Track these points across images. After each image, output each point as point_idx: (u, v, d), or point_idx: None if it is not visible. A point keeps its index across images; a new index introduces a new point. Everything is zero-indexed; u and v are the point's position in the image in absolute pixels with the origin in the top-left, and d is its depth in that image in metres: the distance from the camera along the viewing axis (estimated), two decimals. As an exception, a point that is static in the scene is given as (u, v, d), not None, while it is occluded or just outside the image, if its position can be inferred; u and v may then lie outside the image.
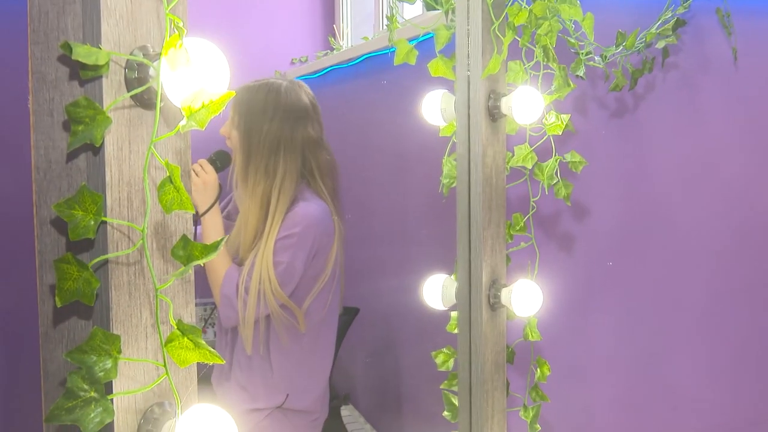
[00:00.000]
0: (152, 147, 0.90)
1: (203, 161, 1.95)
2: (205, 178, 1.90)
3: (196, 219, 1.89)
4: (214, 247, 0.87)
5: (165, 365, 0.91)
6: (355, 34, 3.31)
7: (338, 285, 2.05)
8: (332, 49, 3.14)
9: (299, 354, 2.00)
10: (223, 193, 1.96)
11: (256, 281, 1.84)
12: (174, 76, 0.87)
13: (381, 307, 2.80)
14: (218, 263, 1.88)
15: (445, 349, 1.70)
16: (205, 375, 2.95)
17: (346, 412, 3.08)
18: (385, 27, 2.75)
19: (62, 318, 0.93)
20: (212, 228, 1.90)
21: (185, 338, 0.88)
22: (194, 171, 1.91)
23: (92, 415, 0.89)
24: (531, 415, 1.65)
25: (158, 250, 0.95)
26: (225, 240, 1.60)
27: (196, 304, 2.90)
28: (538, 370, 1.66)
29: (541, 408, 1.68)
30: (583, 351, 1.93)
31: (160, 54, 0.87)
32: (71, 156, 0.92)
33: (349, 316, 2.73)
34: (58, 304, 0.89)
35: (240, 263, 1.93)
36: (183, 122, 0.86)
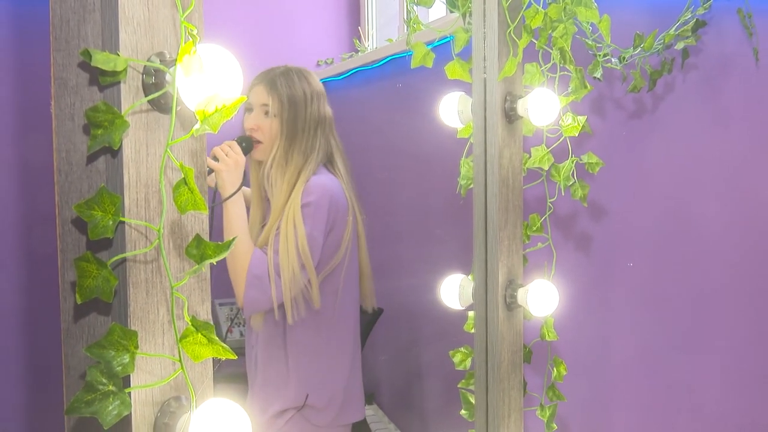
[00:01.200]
0: (168, 150, 0.93)
1: (232, 142, 1.95)
2: (236, 158, 1.90)
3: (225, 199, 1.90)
4: (227, 246, 0.90)
5: (180, 360, 0.94)
6: (380, 36, 3.34)
7: (354, 273, 2.05)
8: (357, 51, 3.17)
9: (316, 346, 2.01)
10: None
11: (285, 260, 1.87)
12: (188, 81, 0.91)
13: (403, 306, 2.82)
14: (243, 245, 1.89)
15: (462, 349, 1.72)
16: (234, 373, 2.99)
17: (370, 411, 3.10)
18: (406, 29, 2.77)
19: (82, 314, 0.97)
20: (238, 210, 1.91)
21: (199, 334, 0.91)
22: (223, 151, 1.91)
23: (110, 407, 0.93)
24: (548, 414, 1.67)
25: (174, 249, 0.99)
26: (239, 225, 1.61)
27: (221, 304, 2.95)
28: (555, 369, 1.67)
29: (559, 408, 1.70)
30: (601, 351, 1.94)
31: (176, 60, 0.91)
32: (91, 158, 0.96)
33: (373, 316, 2.75)
34: (79, 301, 0.93)
35: (260, 246, 1.96)
36: (197, 126, 0.89)
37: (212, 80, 0.91)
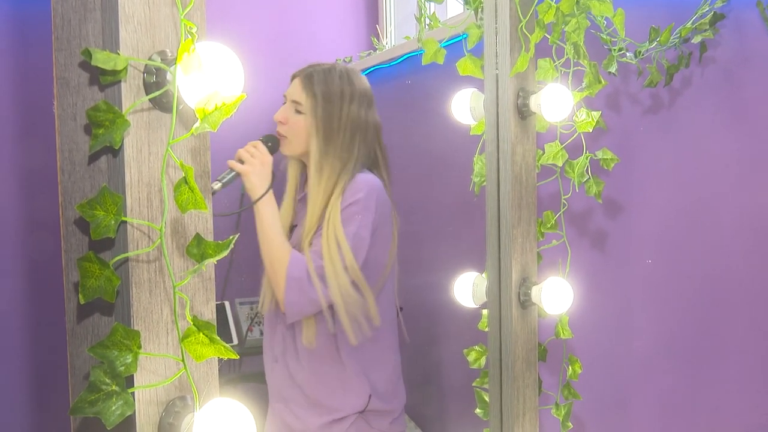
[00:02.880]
0: (169, 148, 0.92)
1: (257, 142, 1.85)
2: (263, 158, 1.81)
3: (255, 202, 1.79)
4: (227, 245, 0.89)
5: (183, 360, 0.93)
6: (398, 34, 3.32)
7: (392, 271, 1.99)
8: (375, 49, 3.16)
9: (372, 346, 1.92)
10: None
11: (327, 258, 1.76)
12: (188, 79, 0.90)
13: (421, 304, 2.80)
14: (280, 247, 1.79)
15: (477, 347, 1.70)
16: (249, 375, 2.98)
17: (391, 409, 3.09)
18: (426, 26, 2.76)
19: (86, 314, 0.97)
20: (271, 210, 1.81)
21: (201, 334, 0.91)
22: (249, 153, 1.81)
23: (113, 407, 0.92)
24: (563, 413, 1.65)
25: (177, 249, 0.98)
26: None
27: (241, 303, 2.91)
28: (570, 368, 1.65)
29: (576, 406, 1.67)
30: (618, 349, 1.91)
31: (176, 59, 0.90)
32: (93, 158, 0.95)
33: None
34: (81, 301, 0.92)
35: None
36: (197, 124, 0.88)
37: (211, 78, 0.90)
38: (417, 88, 2.83)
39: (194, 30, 0.90)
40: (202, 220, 1.01)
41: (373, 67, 3.08)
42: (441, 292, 1.89)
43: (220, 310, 2.94)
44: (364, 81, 1.91)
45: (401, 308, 2.77)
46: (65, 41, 0.96)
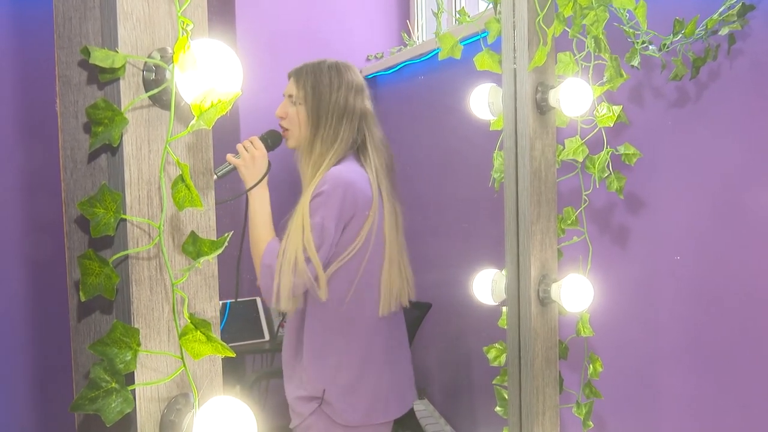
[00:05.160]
0: (168, 146, 0.91)
1: (254, 138, 2.01)
2: (254, 152, 1.96)
3: (245, 193, 1.97)
4: (222, 242, 0.88)
5: (182, 357, 0.92)
6: (429, 29, 3.29)
7: (376, 268, 2.00)
8: (406, 45, 3.13)
9: (328, 340, 1.99)
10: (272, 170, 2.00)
11: (292, 246, 1.87)
12: (185, 77, 0.89)
13: (451, 300, 2.77)
14: (262, 236, 1.92)
15: (497, 344, 1.67)
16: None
17: (421, 406, 3.07)
18: (456, 21, 2.72)
19: (87, 312, 0.96)
20: (258, 202, 1.95)
21: (198, 332, 0.90)
22: (244, 147, 1.98)
23: (113, 404, 0.92)
24: (584, 412, 1.61)
25: (178, 246, 0.97)
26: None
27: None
28: (591, 366, 1.61)
29: (598, 405, 1.63)
30: (643, 347, 1.86)
31: (173, 56, 0.89)
32: (93, 156, 0.95)
33: (420, 311, 2.72)
34: (82, 299, 0.92)
35: None
36: (193, 122, 0.87)
37: (207, 75, 0.88)
38: (446, 83, 2.80)
39: (190, 27, 0.88)
40: (204, 217, 1.00)
41: (404, 62, 3.07)
42: (463, 288, 1.86)
43: (252, 306, 2.96)
44: (353, 73, 2.06)
45: (430, 304, 2.75)
46: (66, 39, 0.95)
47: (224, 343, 0.89)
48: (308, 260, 1.87)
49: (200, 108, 0.87)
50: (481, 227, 2.57)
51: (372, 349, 2.04)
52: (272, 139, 2.03)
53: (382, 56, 3.29)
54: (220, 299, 3.03)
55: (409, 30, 3.27)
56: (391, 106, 3.28)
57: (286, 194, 2.09)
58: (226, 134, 3.26)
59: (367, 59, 3.35)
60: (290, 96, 2.03)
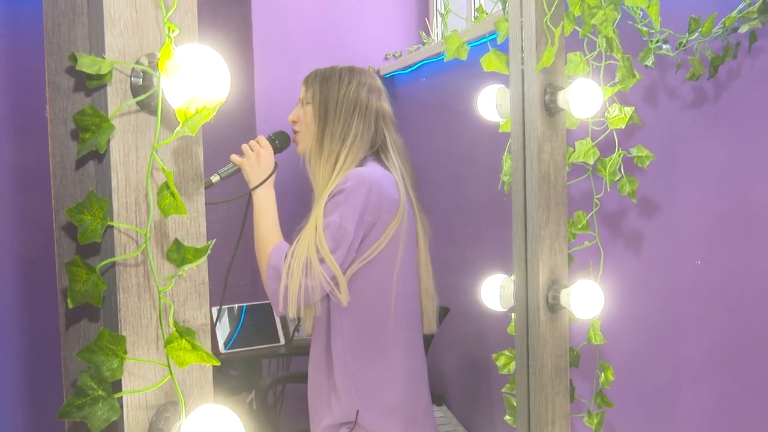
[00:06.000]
0: (154, 152, 0.93)
1: (261, 137, 1.97)
2: (259, 151, 1.91)
3: (249, 194, 1.91)
4: (205, 250, 0.89)
5: (169, 366, 0.94)
6: (448, 27, 3.29)
7: (411, 278, 1.94)
8: (424, 44, 3.14)
9: (363, 357, 1.87)
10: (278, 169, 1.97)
11: (303, 247, 1.77)
12: (171, 83, 0.90)
13: (469, 306, 2.78)
14: (268, 238, 1.85)
15: (506, 351, 1.67)
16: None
17: (439, 413, 3.07)
18: (474, 18, 2.72)
19: (76, 319, 0.98)
20: (264, 202, 1.89)
21: (183, 340, 0.91)
22: (249, 146, 1.93)
23: (99, 412, 0.94)
24: (596, 421, 1.60)
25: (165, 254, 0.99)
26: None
27: (289, 302, 2.87)
28: (602, 374, 1.60)
29: (612, 416, 1.63)
30: (656, 356, 1.85)
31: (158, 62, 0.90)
32: (81, 163, 0.97)
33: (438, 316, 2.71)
34: (70, 305, 0.94)
35: None
36: (178, 128, 0.89)
37: (192, 82, 0.90)
38: (462, 81, 2.80)
39: (176, 33, 0.90)
40: (194, 224, 1.02)
41: (422, 61, 3.07)
42: (473, 294, 1.86)
43: (267, 309, 2.98)
44: (368, 75, 1.99)
45: (447, 309, 2.75)
46: (56, 45, 0.97)
47: (209, 352, 0.91)
48: (322, 261, 1.76)
49: (185, 114, 0.89)
50: (496, 230, 2.57)
51: (411, 367, 1.93)
52: (280, 140, 1.99)
53: (400, 55, 3.30)
54: (238, 302, 3.01)
55: (428, 28, 3.28)
56: (409, 105, 3.28)
57: (293, 203, 2.05)
58: (240, 136, 3.29)
59: (386, 58, 3.36)
60: (301, 99, 2.00)
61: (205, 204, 1.81)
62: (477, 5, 2.79)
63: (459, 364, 3.11)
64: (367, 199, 1.79)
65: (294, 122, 1.98)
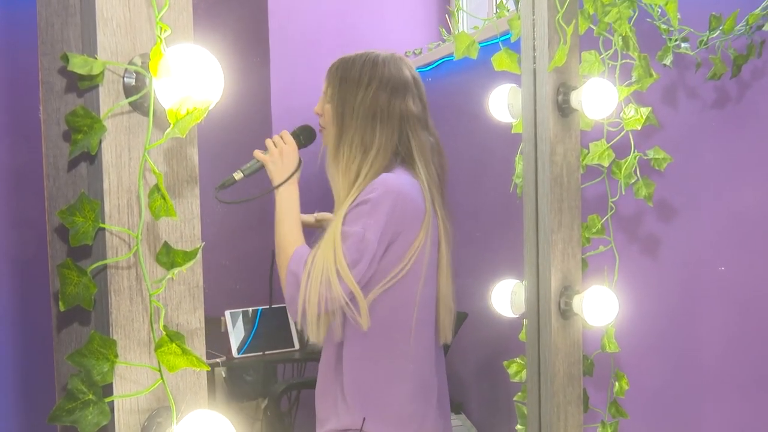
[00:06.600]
0: (146, 154, 0.94)
1: (285, 132, 1.90)
2: (283, 148, 1.85)
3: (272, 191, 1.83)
4: (194, 253, 0.90)
5: (160, 370, 0.95)
6: (469, 24, 3.29)
7: (428, 289, 1.92)
8: (444, 41, 3.13)
9: (372, 366, 1.84)
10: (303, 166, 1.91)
11: (321, 254, 1.72)
12: (161, 84, 0.92)
13: (487, 311, 2.77)
14: (289, 240, 1.80)
15: (518, 359, 1.67)
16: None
17: (458, 422, 3.06)
18: (494, 14, 2.72)
19: (68, 322, 1.00)
20: (286, 202, 1.83)
21: (173, 344, 0.92)
22: (273, 142, 1.87)
23: (90, 416, 0.95)
24: (609, 432, 1.60)
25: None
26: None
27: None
28: (617, 383, 1.60)
29: (627, 426, 1.62)
30: (680, 365, 1.83)
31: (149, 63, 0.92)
32: (73, 164, 0.98)
33: (456, 321, 2.71)
34: (61, 308, 0.96)
35: None
36: (168, 129, 0.90)
37: (183, 82, 0.91)
38: (482, 79, 2.80)
39: (167, 33, 0.91)
40: (188, 226, 1.03)
41: (442, 59, 3.07)
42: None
43: (282, 313, 2.98)
44: (395, 68, 1.87)
45: (466, 314, 2.74)
46: (49, 45, 0.99)
47: (199, 357, 0.92)
48: (340, 277, 1.71)
49: (176, 115, 0.90)
50: (510, 233, 2.56)
51: (425, 376, 1.90)
52: (305, 135, 1.92)
53: (420, 52, 3.29)
54: (253, 306, 3.01)
55: (448, 25, 3.27)
56: (430, 104, 3.27)
57: (318, 197, 2.00)
58: (256, 134, 3.31)
59: (405, 55, 3.36)
60: (324, 93, 1.92)
61: (225, 203, 1.80)
62: (498, 1, 2.79)
63: (478, 371, 3.10)
64: (392, 211, 1.74)
65: (319, 114, 1.91)
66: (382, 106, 1.83)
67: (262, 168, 1.87)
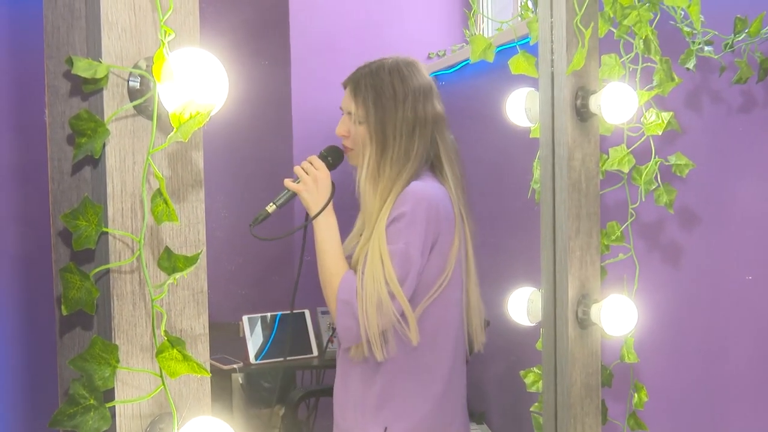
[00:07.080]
0: (150, 158, 0.96)
1: (313, 157, 1.88)
2: (316, 174, 1.82)
3: (309, 220, 1.83)
4: (195, 258, 0.91)
5: (161, 376, 0.96)
6: (493, 26, 3.28)
7: (461, 293, 1.92)
8: (467, 42, 3.13)
9: (411, 376, 1.85)
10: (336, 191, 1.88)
11: (369, 275, 1.73)
12: (165, 88, 0.93)
13: (509, 318, 2.76)
14: (333, 269, 1.79)
15: (535, 368, 1.67)
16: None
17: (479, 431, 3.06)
18: (519, 16, 2.71)
19: (70, 326, 1.01)
20: (326, 231, 1.82)
21: (174, 350, 0.93)
22: (303, 169, 1.85)
23: (91, 422, 0.96)
24: (628, 445, 1.59)
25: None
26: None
27: (323, 313, 2.91)
28: (636, 395, 1.59)
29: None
30: (702, 377, 1.82)
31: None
32: (77, 168, 1.00)
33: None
34: (64, 312, 0.97)
35: (353, 267, 1.82)
36: (171, 133, 0.91)
37: (186, 87, 0.92)
38: (504, 81, 2.79)
39: (171, 37, 0.93)
40: (193, 231, 1.04)
41: (465, 61, 3.06)
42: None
43: (300, 319, 2.99)
44: (418, 73, 1.87)
45: (488, 322, 2.73)
46: (55, 49, 1.01)
47: (201, 363, 0.93)
48: (392, 296, 1.72)
49: (179, 119, 0.91)
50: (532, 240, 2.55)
51: (450, 385, 1.91)
52: (333, 157, 1.90)
53: (444, 54, 3.29)
54: (273, 311, 3.01)
55: (469, 26, 3.27)
56: (452, 107, 3.27)
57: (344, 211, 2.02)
58: (275, 139, 3.32)
59: (428, 57, 3.36)
60: (349, 113, 1.88)
61: (261, 239, 1.81)
62: (522, 2, 2.77)
63: (499, 380, 3.09)
64: (428, 220, 1.76)
65: (344, 137, 1.89)
66: (419, 116, 1.83)
67: (294, 197, 1.85)
